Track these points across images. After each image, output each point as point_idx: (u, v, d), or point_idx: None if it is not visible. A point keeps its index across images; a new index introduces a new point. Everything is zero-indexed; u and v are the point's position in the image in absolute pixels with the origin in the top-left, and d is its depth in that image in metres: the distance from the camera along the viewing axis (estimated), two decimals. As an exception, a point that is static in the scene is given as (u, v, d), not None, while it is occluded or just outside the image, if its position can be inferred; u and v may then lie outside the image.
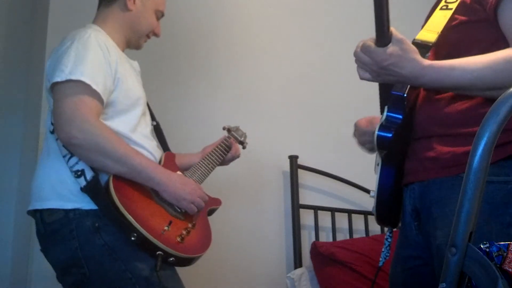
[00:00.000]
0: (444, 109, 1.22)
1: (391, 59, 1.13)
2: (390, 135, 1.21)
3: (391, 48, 1.13)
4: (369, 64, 1.17)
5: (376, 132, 1.22)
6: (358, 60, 1.19)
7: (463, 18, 1.24)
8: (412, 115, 1.28)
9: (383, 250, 1.40)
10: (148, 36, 1.75)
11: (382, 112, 1.27)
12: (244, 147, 1.91)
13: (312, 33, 2.99)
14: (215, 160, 1.77)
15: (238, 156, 1.86)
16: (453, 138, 1.19)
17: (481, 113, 1.13)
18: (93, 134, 1.39)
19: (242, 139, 1.90)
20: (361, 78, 1.22)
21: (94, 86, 1.43)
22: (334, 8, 3.08)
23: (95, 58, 1.48)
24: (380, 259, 1.40)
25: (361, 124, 1.42)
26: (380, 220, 1.36)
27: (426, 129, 1.25)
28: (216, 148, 1.80)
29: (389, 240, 1.40)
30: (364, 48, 1.17)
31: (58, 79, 1.43)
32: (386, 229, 1.43)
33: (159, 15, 1.75)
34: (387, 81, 1.21)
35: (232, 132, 1.88)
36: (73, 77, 1.42)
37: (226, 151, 1.81)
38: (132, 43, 1.72)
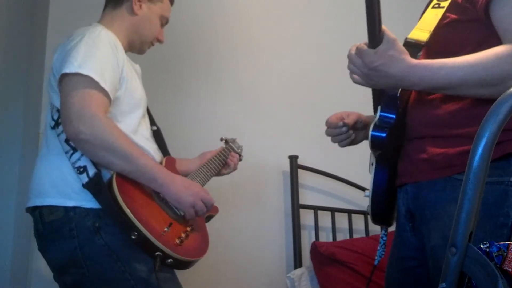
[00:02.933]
0: (435, 110, 1.22)
1: (380, 60, 1.15)
2: (384, 135, 1.21)
3: (381, 49, 1.15)
4: (360, 66, 1.18)
5: (370, 132, 1.22)
6: (350, 63, 1.21)
7: (454, 16, 1.24)
8: (404, 115, 1.29)
9: (378, 248, 1.41)
10: (152, 43, 1.77)
11: (375, 112, 1.27)
12: (240, 159, 1.94)
13: (312, 33, 2.99)
14: (214, 168, 1.80)
15: (235, 169, 1.89)
16: (445, 139, 1.19)
17: (472, 114, 1.14)
18: (102, 130, 1.39)
19: (239, 151, 1.93)
20: (354, 82, 1.24)
21: (102, 84, 1.43)
22: (335, 8, 3.08)
23: (104, 55, 1.48)
24: (376, 257, 1.41)
25: (330, 119, 1.45)
26: (375, 220, 1.36)
27: (418, 130, 1.25)
28: (215, 157, 1.83)
29: (384, 238, 1.41)
30: (356, 50, 1.19)
31: (67, 70, 1.42)
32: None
33: (164, 21, 1.77)
34: (378, 86, 1.22)
35: (230, 144, 1.91)
36: (83, 72, 1.42)
37: (224, 161, 1.85)
38: (135, 47, 1.73)
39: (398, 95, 1.23)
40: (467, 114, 1.16)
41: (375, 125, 1.23)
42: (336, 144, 2.92)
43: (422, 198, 1.22)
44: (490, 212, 1.09)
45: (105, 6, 1.72)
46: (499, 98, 0.77)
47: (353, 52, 1.20)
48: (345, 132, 1.40)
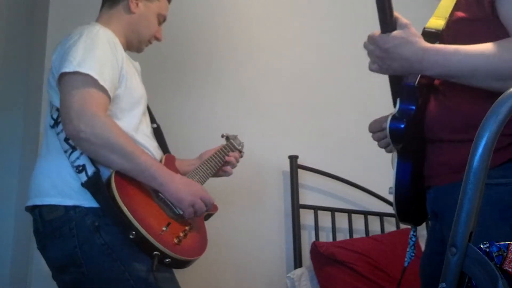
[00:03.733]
0: (452, 114, 1.21)
1: (394, 41, 1.14)
2: (403, 125, 1.19)
3: (394, 32, 1.14)
4: (374, 51, 1.18)
5: (388, 124, 1.20)
6: (367, 51, 1.20)
7: (460, 14, 1.24)
8: (425, 110, 1.27)
9: (408, 250, 1.38)
10: (150, 42, 1.77)
11: (394, 105, 1.25)
12: (241, 156, 1.92)
13: (313, 33, 2.99)
14: (214, 166, 1.79)
15: (235, 165, 1.88)
16: (460, 143, 1.18)
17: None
18: (102, 129, 1.39)
19: (240, 147, 1.91)
20: (370, 70, 1.23)
21: (101, 82, 1.43)
22: (335, 8, 3.08)
23: (103, 53, 1.48)
24: (406, 259, 1.38)
25: (371, 124, 1.42)
26: (402, 218, 1.32)
27: (437, 134, 1.24)
28: (215, 155, 1.81)
29: (414, 239, 1.38)
30: (368, 37, 1.18)
31: (66, 69, 1.42)
32: (402, 227, 1.41)
33: (161, 19, 1.77)
34: (391, 70, 1.19)
35: (231, 140, 1.89)
36: (82, 70, 1.42)
37: (224, 159, 1.82)
38: (133, 46, 1.73)
39: (416, 85, 1.22)
40: (481, 118, 1.16)
41: (393, 116, 1.21)
42: (336, 144, 2.91)
43: (442, 201, 1.22)
44: (506, 213, 1.09)
45: (102, 6, 1.72)
46: (499, 98, 0.77)
47: (367, 40, 1.20)
48: None
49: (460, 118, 1.20)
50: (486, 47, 1.11)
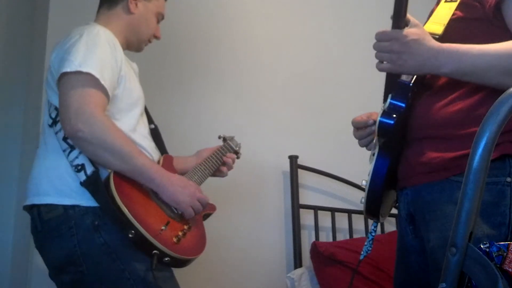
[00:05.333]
0: (436, 112, 1.22)
1: (412, 36, 1.15)
2: (392, 122, 1.20)
3: (410, 28, 1.15)
4: (389, 46, 1.16)
5: (379, 118, 1.21)
6: (377, 49, 1.19)
7: (461, 14, 1.25)
8: (410, 114, 1.27)
9: (365, 244, 1.39)
10: (149, 41, 1.77)
11: (385, 100, 1.26)
12: (238, 157, 1.92)
13: (313, 33, 2.99)
14: (212, 166, 1.79)
15: (232, 167, 1.87)
16: (441, 140, 1.19)
17: (470, 116, 1.14)
18: (99, 129, 1.39)
19: (237, 149, 1.91)
20: (379, 69, 1.22)
21: (102, 81, 1.43)
22: (335, 8, 3.08)
23: (103, 53, 1.49)
24: (362, 252, 1.39)
25: (356, 119, 1.42)
26: (369, 211, 1.32)
27: (417, 131, 1.25)
28: (213, 155, 1.81)
29: (373, 234, 1.40)
30: (382, 34, 1.17)
31: (67, 69, 1.43)
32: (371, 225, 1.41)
33: (160, 18, 1.78)
34: (405, 68, 1.19)
35: (228, 141, 1.89)
36: (83, 69, 1.42)
37: (221, 159, 1.82)
38: (133, 46, 1.73)
39: (410, 84, 1.22)
40: (464, 116, 1.16)
41: (384, 111, 1.22)
42: (336, 144, 2.91)
43: (421, 200, 1.22)
44: (488, 212, 1.09)
45: (100, 7, 1.72)
46: (499, 98, 0.77)
47: (377, 37, 1.19)
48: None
49: (442, 115, 1.20)
50: (498, 45, 1.12)
